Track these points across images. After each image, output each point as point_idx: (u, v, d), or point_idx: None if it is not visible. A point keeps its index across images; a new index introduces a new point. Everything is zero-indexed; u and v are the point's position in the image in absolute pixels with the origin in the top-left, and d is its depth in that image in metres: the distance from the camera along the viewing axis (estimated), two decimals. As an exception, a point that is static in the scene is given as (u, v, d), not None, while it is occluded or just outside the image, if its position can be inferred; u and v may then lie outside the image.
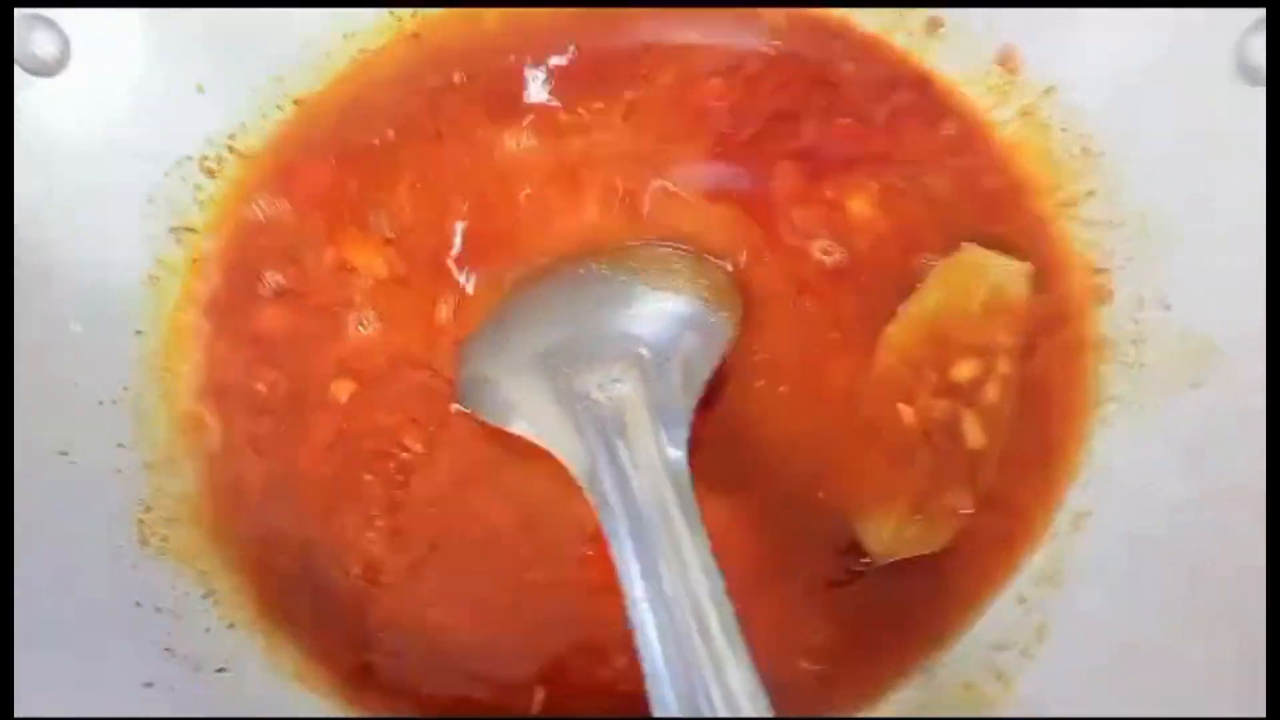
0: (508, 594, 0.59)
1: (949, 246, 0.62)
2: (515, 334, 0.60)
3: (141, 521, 0.57)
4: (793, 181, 0.63)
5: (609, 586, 0.47)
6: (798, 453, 0.60)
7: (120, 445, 0.58)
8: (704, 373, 0.57)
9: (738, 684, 0.43)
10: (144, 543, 0.56)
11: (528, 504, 0.60)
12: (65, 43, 0.59)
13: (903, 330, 0.60)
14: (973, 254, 0.61)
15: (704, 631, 0.44)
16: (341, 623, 0.57)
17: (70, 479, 0.55)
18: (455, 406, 0.60)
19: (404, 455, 0.61)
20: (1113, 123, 0.62)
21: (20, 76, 0.57)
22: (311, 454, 0.61)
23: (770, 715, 0.42)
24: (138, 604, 0.53)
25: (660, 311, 0.59)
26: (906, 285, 0.61)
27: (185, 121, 0.65)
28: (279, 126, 0.66)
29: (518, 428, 0.56)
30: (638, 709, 0.44)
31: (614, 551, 0.48)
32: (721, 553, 0.46)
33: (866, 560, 0.57)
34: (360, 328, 0.62)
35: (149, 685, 0.50)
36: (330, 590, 0.58)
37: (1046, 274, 0.62)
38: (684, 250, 0.63)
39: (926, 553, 0.57)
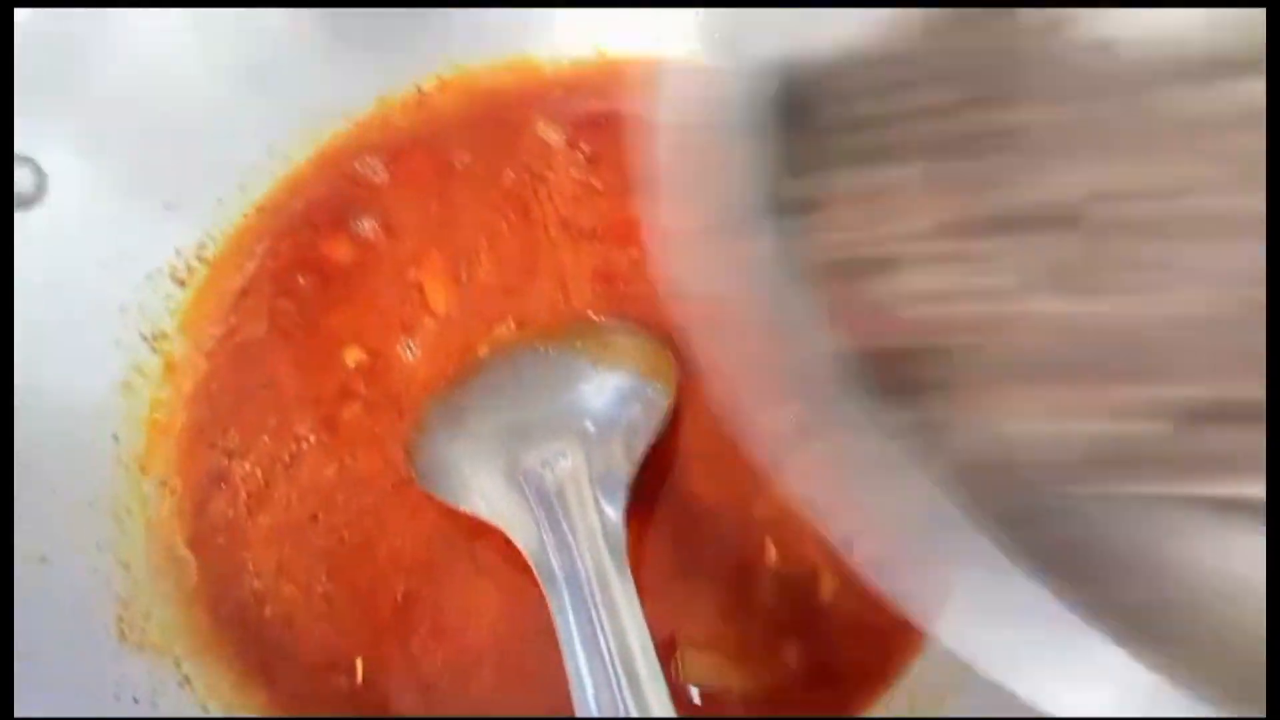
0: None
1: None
2: (468, 417, 0.64)
3: (120, 618, 0.60)
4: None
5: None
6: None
7: (98, 547, 0.61)
8: (644, 442, 0.60)
9: None
10: (123, 638, 0.59)
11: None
12: (42, 178, 0.64)
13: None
14: None
15: (634, 685, 0.49)
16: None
17: (49, 582, 0.58)
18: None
19: (302, 444, 0.66)
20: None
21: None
22: (280, 372, 0.68)
23: None
24: (115, 697, 0.56)
25: (603, 386, 0.63)
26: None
27: (155, 237, 0.70)
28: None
29: (472, 507, 0.60)
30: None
31: (558, 623, 0.52)
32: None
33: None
34: (407, 351, 0.68)
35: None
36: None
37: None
38: (625, 327, 0.66)
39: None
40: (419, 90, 0.78)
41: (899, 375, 0.27)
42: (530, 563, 0.55)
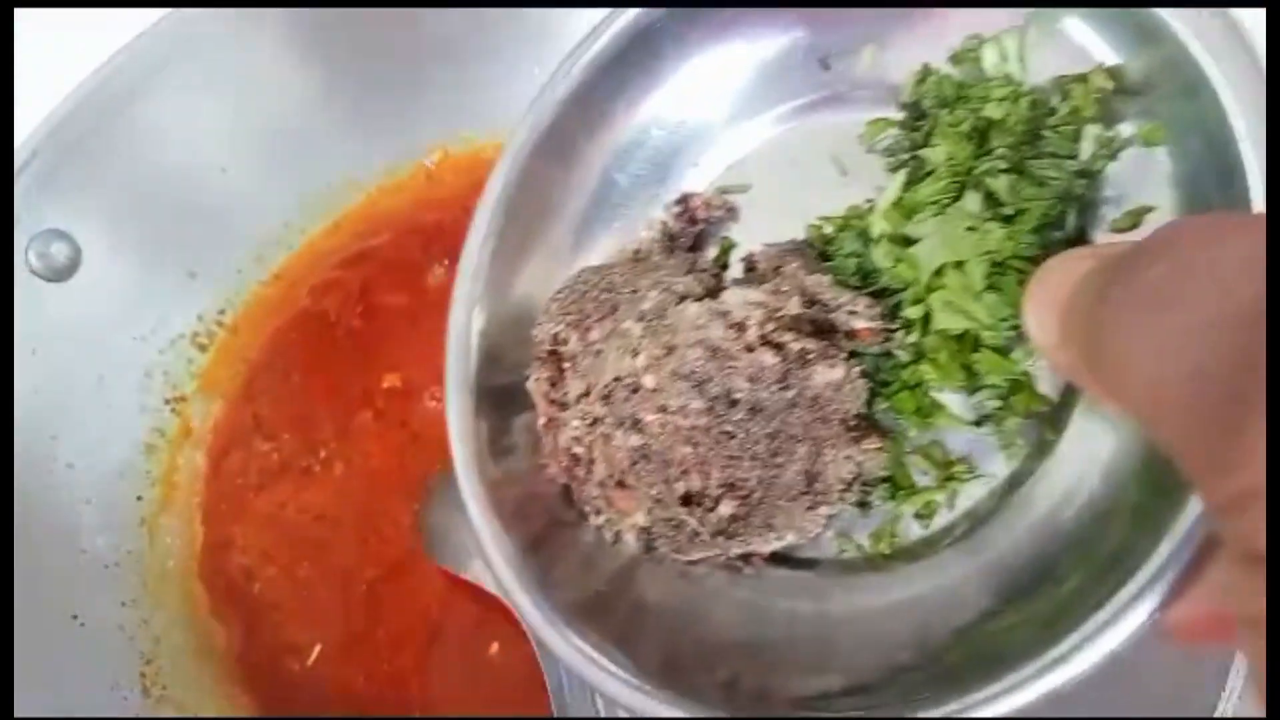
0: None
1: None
2: None
3: (143, 674, 0.65)
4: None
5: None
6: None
7: (123, 604, 0.67)
8: None
9: None
10: (145, 693, 0.65)
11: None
12: (78, 251, 0.68)
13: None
14: None
15: None
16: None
17: (80, 639, 0.64)
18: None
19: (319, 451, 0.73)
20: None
21: (36, 285, 0.66)
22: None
23: None
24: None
25: None
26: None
27: (179, 305, 0.75)
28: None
29: (474, 576, 0.65)
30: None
31: (551, 689, 0.58)
32: None
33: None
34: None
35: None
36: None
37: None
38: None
39: None
40: (425, 166, 0.83)
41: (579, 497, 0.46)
42: (530, 637, 0.61)
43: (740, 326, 0.42)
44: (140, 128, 0.71)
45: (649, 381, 0.42)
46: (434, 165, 0.83)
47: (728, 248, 0.50)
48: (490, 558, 0.43)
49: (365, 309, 0.77)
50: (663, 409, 0.42)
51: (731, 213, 0.50)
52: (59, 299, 0.67)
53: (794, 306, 0.43)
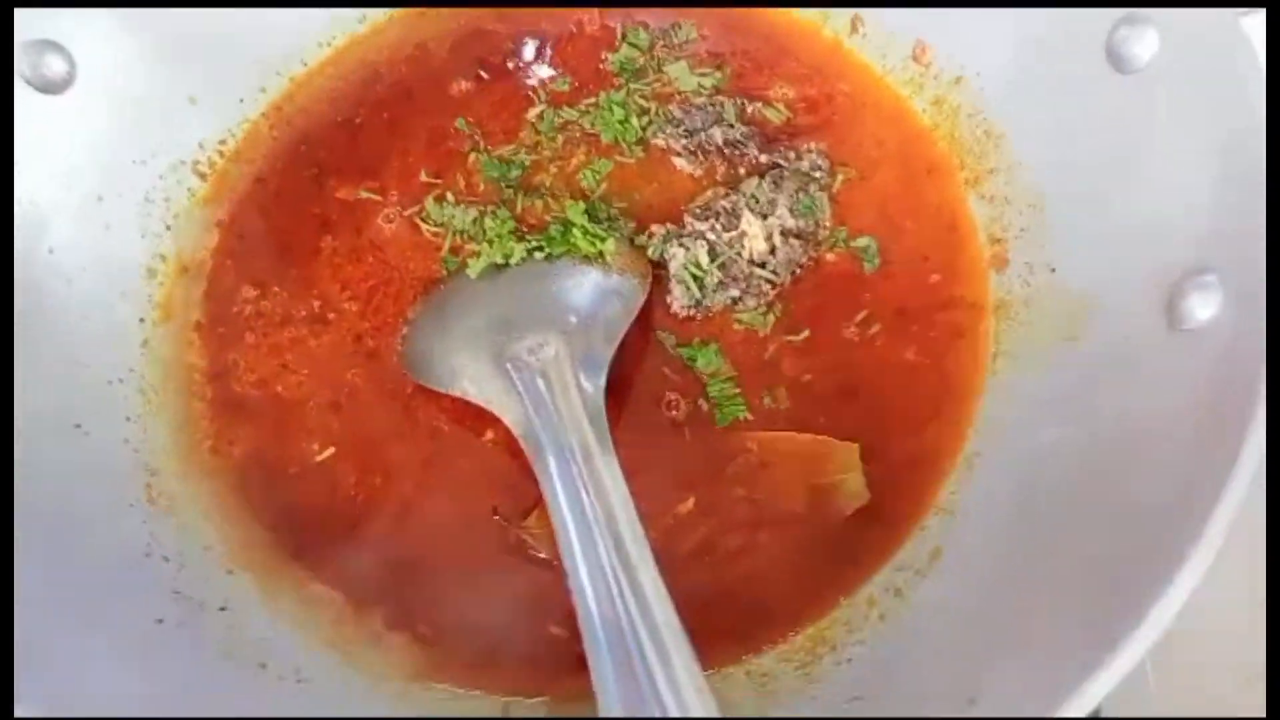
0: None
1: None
2: (455, 315, 0.69)
3: (149, 485, 0.64)
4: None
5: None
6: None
7: (128, 419, 0.66)
8: (621, 327, 0.66)
9: (648, 586, 0.52)
10: (152, 502, 0.64)
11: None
12: (72, 64, 0.67)
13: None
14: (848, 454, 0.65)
15: (619, 546, 0.54)
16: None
17: (84, 448, 0.63)
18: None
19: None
20: (1009, 109, 0.70)
21: (30, 94, 0.65)
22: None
23: (673, 613, 0.51)
24: (147, 554, 0.61)
25: (583, 283, 0.68)
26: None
27: (179, 130, 0.74)
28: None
29: (460, 391, 0.65)
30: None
31: (545, 489, 0.58)
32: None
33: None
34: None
35: (160, 621, 0.57)
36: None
37: (951, 251, 0.70)
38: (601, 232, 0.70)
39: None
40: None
41: None
42: (519, 439, 0.60)
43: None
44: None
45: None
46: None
47: None
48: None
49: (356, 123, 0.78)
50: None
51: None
52: (54, 111, 0.67)
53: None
